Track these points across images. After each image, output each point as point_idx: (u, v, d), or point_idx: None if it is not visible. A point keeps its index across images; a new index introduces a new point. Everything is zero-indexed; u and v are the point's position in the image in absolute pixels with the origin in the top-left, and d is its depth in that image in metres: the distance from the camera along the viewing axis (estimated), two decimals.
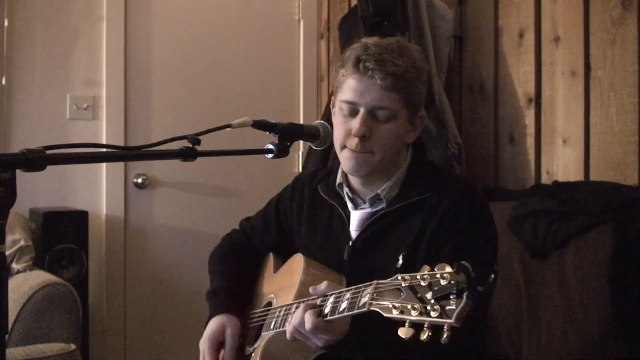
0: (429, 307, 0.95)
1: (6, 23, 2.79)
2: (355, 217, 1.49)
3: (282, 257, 1.66)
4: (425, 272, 0.98)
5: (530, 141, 2.36)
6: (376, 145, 1.40)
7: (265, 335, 1.42)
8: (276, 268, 1.65)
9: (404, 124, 1.43)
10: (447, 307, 0.93)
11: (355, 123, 1.39)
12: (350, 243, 1.47)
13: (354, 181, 1.51)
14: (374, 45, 1.39)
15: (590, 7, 2.12)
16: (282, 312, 1.39)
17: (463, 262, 0.94)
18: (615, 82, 2.04)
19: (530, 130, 2.36)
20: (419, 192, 1.43)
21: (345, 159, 1.44)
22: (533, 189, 2.19)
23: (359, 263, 1.45)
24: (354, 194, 1.51)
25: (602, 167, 2.09)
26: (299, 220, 1.63)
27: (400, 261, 1.38)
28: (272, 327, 1.40)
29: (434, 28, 2.52)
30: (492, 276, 0.94)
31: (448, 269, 0.95)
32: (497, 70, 2.50)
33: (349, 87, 1.41)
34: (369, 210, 1.48)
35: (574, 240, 1.85)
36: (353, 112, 1.41)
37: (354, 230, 1.49)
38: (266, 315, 1.49)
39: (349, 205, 1.51)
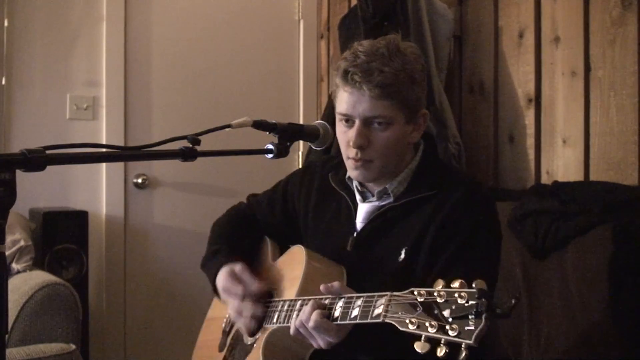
0: (447, 327, 0.97)
1: (6, 23, 2.79)
2: (363, 210, 1.51)
3: (280, 244, 1.67)
4: (441, 288, 1.00)
5: (530, 141, 2.36)
6: (374, 154, 1.42)
7: (268, 327, 1.43)
8: (274, 256, 1.65)
9: (403, 127, 1.43)
10: (466, 328, 0.95)
11: (352, 134, 1.41)
12: (355, 234, 1.49)
13: None
14: (364, 53, 1.38)
15: (590, 7, 2.12)
16: (285, 307, 1.40)
17: (480, 281, 0.95)
18: (615, 82, 2.04)
19: (530, 130, 2.36)
20: (426, 189, 1.44)
21: (350, 169, 1.48)
22: (533, 189, 2.18)
23: (361, 254, 1.46)
24: (363, 187, 1.53)
25: (602, 167, 2.09)
26: (306, 206, 1.64)
27: (403, 255, 1.40)
28: (275, 320, 1.42)
29: (434, 28, 2.52)
30: (513, 302, 0.95)
31: (465, 287, 0.97)
32: (497, 70, 2.50)
33: (342, 99, 1.42)
34: (376, 203, 1.49)
35: (574, 240, 1.85)
36: (350, 124, 1.42)
37: (359, 222, 1.51)
38: (267, 306, 1.49)
39: (357, 197, 1.53)
